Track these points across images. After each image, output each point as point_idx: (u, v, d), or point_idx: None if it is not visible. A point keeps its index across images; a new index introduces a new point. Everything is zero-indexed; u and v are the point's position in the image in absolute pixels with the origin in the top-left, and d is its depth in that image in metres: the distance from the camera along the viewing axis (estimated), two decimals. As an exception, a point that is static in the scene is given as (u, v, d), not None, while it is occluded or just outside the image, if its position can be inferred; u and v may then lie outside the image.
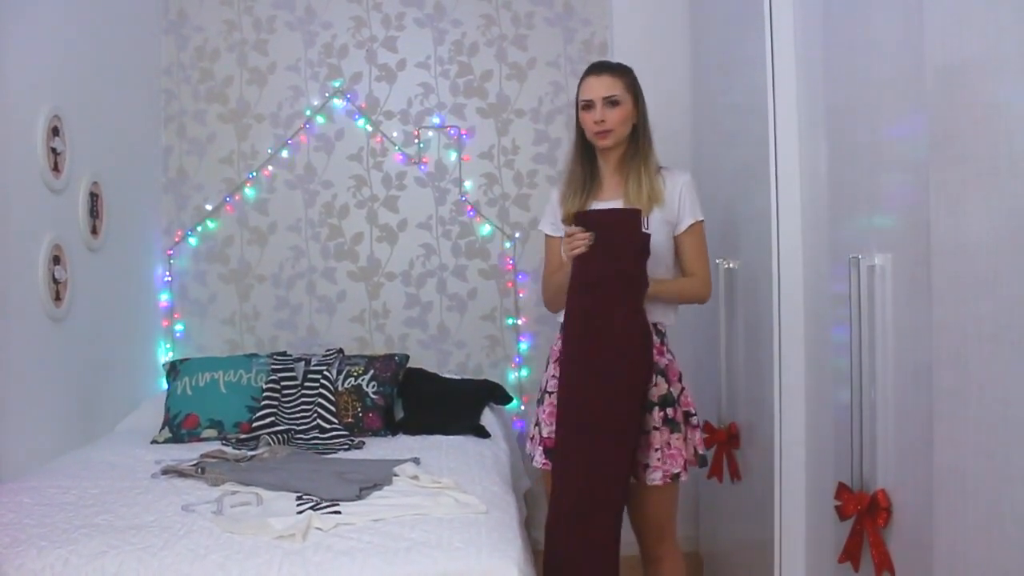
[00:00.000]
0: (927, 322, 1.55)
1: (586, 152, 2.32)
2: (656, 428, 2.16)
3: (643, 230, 2.12)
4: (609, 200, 2.28)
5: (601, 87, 2.23)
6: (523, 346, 3.62)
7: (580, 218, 2.13)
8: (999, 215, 1.33)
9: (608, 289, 2.08)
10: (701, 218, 2.28)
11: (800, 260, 2.27)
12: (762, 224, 2.36)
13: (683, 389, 2.25)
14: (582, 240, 2.07)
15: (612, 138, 2.24)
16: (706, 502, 3.25)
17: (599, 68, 2.28)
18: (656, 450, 2.15)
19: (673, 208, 2.25)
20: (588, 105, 2.24)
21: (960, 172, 1.44)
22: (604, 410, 2.07)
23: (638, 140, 2.27)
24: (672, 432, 2.17)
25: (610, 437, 2.07)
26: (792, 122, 2.27)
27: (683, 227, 2.26)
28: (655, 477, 2.14)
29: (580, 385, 2.10)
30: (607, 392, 2.06)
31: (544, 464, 2.27)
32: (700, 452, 2.25)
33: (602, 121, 2.21)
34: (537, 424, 2.32)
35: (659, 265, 2.23)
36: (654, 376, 2.17)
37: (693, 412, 2.26)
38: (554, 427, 2.18)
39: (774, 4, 2.28)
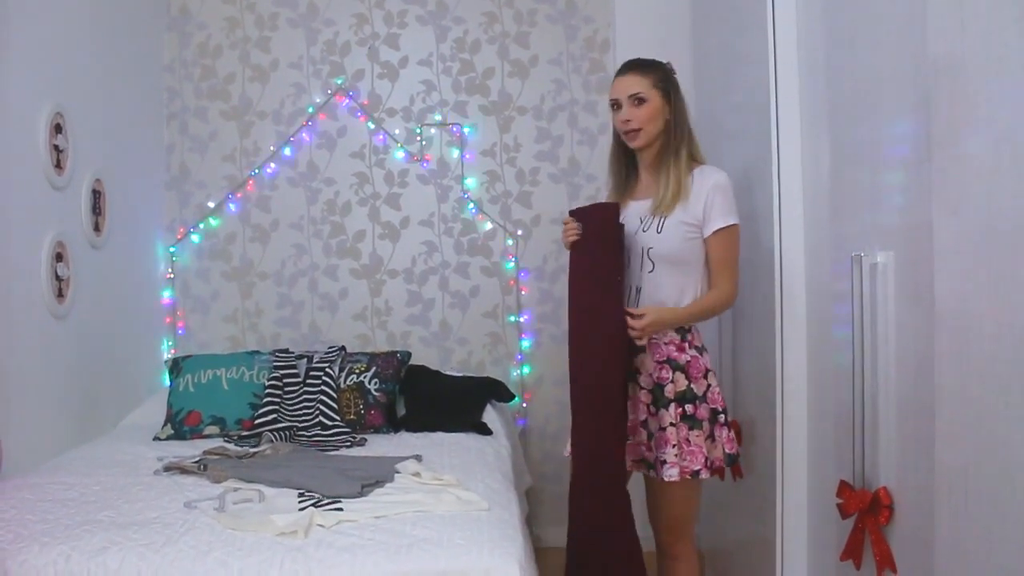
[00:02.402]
0: (929, 320, 1.55)
1: (624, 152, 2.32)
2: (673, 424, 2.14)
3: (619, 222, 2.23)
4: (640, 199, 2.27)
5: (626, 86, 2.22)
6: (525, 343, 3.62)
7: (573, 213, 2.30)
8: (1000, 213, 1.33)
9: (590, 274, 2.23)
10: (733, 222, 2.16)
11: (802, 258, 2.27)
12: (765, 222, 2.36)
13: (710, 386, 2.19)
14: (572, 230, 2.25)
15: (642, 137, 2.22)
16: (708, 500, 3.25)
17: (625, 67, 2.27)
18: (673, 446, 2.13)
19: (697, 210, 2.16)
20: (616, 105, 2.24)
21: (962, 170, 1.44)
22: (591, 380, 2.20)
23: (671, 137, 2.22)
24: (691, 429, 2.14)
25: (598, 405, 2.18)
26: (794, 120, 2.27)
27: (709, 231, 2.16)
28: (672, 473, 2.12)
29: (575, 361, 2.25)
30: (590, 365, 2.20)
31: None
32: (728, 451, 2.19)
33: (628, 120, 2.21)
34: None
35: (673, 267, 2.19)
36: (671, 372, 2.17)
37: (721, 410, 2.19)
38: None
39: (776, 2, 2.28)
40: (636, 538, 2.24)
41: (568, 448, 2.35)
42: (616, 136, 2.31)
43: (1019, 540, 1.30)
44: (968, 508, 1.43)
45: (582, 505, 2.25)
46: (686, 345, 2.20)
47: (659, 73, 2.23)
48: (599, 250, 2.21)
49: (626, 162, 2.34)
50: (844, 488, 1.90)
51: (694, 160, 2.24)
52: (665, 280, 2.19)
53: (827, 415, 2.13)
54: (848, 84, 1.98)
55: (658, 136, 2.23)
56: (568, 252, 2.31)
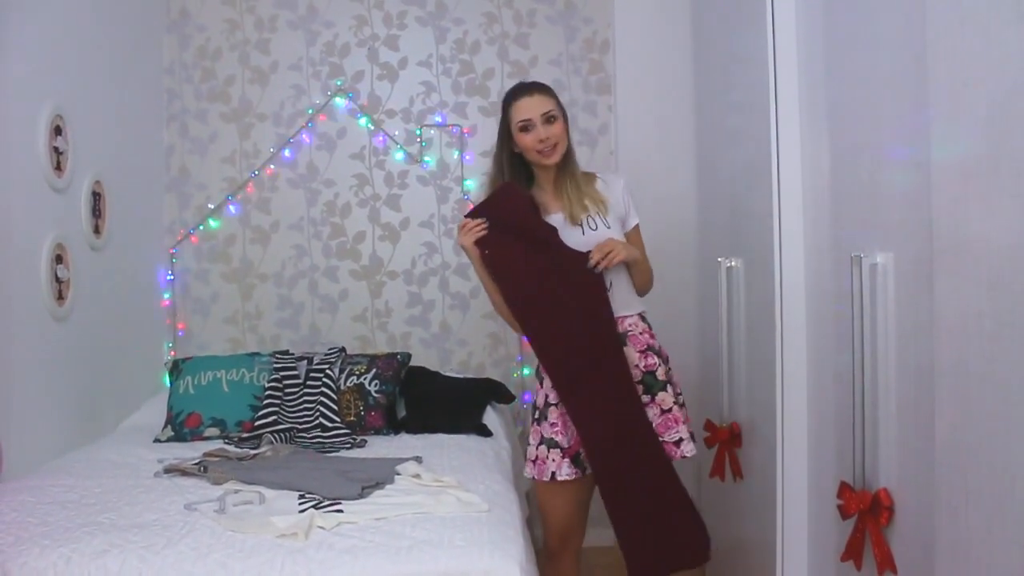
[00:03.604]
0: (929, 321, 1.55)
1: (518, 174, 2.33)
2: (676, 404, 2.30)
3: (524, 193, 2.30)
4: (558, 212, 2.30)
5: (538, 106, 2.26)
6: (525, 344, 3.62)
7: (472, 213, 2.31)
8: (1001, 213, 1.33)
9: (528, 249, 2.25)
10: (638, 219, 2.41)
11: (802, 258, 2.27)
12: (764, 222, 2.36)
13: (670, 369, 2.36)
14: (478, 226, 2.25)
15: (557, 152, 2.28)
16: (708, 501, 3.25)
17: (528, 88, 2.31)
18: (684, 423, 2.30)
19: (620, 209, 2.35)
20: (526, 126, 2.26)
21: (962, 170, 1.43)
22: (590, 345, 2.22)
23: (567, 153, 2.32)
24: (682, 407, 2.34)
25: (605, 365, 2.21)
26: (794, 120, 2.26)
27: (630, 226, 2.37)
28: (691, 448, 2.29)
29: (559, 335, 2.24)
30: (587, 328, 2.22)
31: (575, 473, 2.23)
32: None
33: (547, 137, 2.25)
34: (543, 443, 2.26)
35: (619, 266, 2.28)
36: (656, 357, 2.30)
37: (680, 391, 2.37)
38: (568, 435, 2.25)
39: (776, 2, 2.28)
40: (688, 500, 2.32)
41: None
42: (500, 160, 2.33)
43: (1019, 540, 1.30)
44: (968, 508, 1.43)
45: (626, 491, 2.22)
46: (652, 333, 2.35)
47: (555, 95, 2.33)
48: (523, 220, 2.25)
49: (524, 181, 2.35)
50: (844, 489, 1.90)
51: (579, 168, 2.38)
52: (619, 274, 2.31)
53: (827, 416, 2.13)
54: (848, 84, 1.98)
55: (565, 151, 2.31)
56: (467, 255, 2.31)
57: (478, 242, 2.25)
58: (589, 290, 2.22)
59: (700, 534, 2.31)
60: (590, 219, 2.28)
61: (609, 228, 2.28)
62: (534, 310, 2.27)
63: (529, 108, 2.26)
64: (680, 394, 2.34)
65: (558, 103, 2.31)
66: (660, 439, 2.27)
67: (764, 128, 2.32)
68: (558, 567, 2.37)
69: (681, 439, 2.27)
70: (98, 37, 3.04)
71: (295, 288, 3.64)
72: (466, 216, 2.32)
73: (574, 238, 2.27)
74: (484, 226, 2.25)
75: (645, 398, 2.26)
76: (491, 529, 1.92)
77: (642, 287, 2.37)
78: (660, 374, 2.28)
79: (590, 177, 2.38)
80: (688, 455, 2.28)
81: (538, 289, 2.25)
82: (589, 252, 2.21)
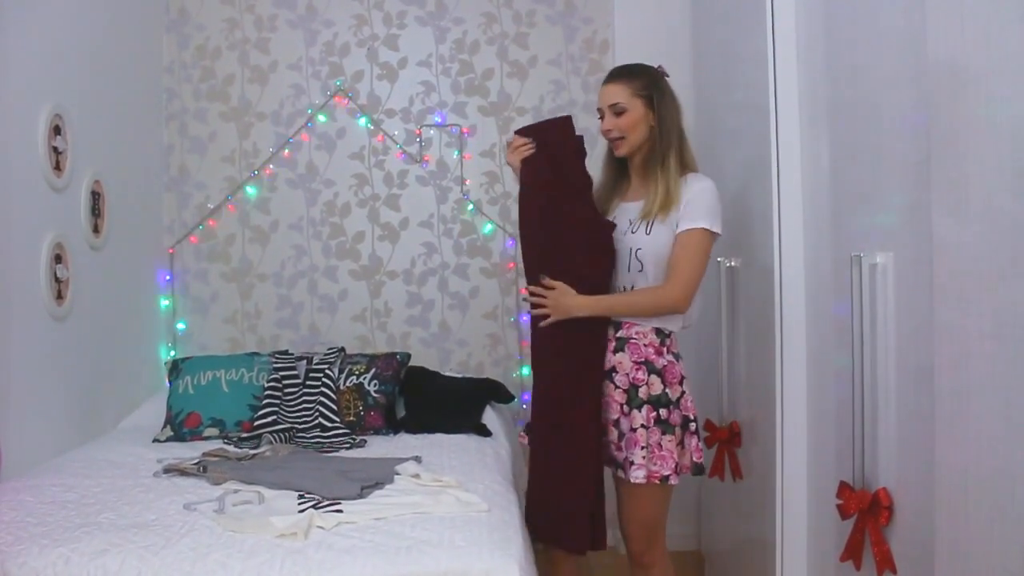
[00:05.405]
0: (929, 320, 1.55)
1: (615, 156, 2.32)
2: (644, 426, 2.15)
3: (576, 134, 2.29)
4: (630, 201, 2.28)
5: (607, 96, 2.25)
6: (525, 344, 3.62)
7: (521, 131, 2.31)
8: (1001, 213, 1.33)
9: (553, 184, 2.24)
10: (704, 226, 2.13)
11: (801, 258, 2.27)
12: (764, 222, 2.36)
13: (684, 393, 2.20)
14: (525, 145, 2.27)
15: (625, 146, 2.24)
16: (707, 501, 3.25)
17: (610, 75, 2.29)
18: (642, 448, 2.14)
19: (680, 212, 2.17)
20: (599, 114, 2.29)
21: (962, 170, 1.44)
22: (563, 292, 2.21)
23: (657, 143, 2.21)
24: (664, 433, 2.15)
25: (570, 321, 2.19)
26: (794, 120, 2.27)
27: (679, 229, 2.15)
28: (639, 475, 2.13)
29: (539, 272, 2.25)
30: (565, 277, 2.21)
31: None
32: (696, 461, 2.21)
33: (609, 130, 2.25)
34: None
35: (661, 268, 2.18)
36: (647, 374, 2.18)
37: (693, 419, 2.21)
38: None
39: (776, 2, 2.28)
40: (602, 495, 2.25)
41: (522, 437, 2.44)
42: None
43: (1019, 540, 1.30)
44: (968, 508, 1.43)
45: (546, 451, 2.26)
46: (664, 349, 2.21)
47: (643, 80, 2.24)
48: (564, 158, 2.25)
49: (617, 165, 2.35)
50: (844, 489, 1.90)
51: (685, 167, 2.23)
52: (653, 281, 2.20)
53: (827, 416, 2.13)
54: (848, 84, 1.98)
55: (643, 143, 2.24)
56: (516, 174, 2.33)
57: (524, 160, 2.27)
58: (589, 259, 2.21)
59: (582, 530, 2.22)
60: (639, 221, 2.20)
61: (648, 234, 2.17)
62: (532, 255, 2.29)
63: (601, 97, 2.27)
64: (669, 423, 2.15)
65: (640, 92, 2.21)
66: (613, 450, 2.23)
67: (764, 128, 2.32)
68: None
69: (632, 462, 2.14)
70: (97, 36, 3.04)
71: (294, 288, 3.64)
72: (516, 132, 2.32)
73: (619, 229, 2.24)
74: (532, 146, 2.27)
75: (624, 408, 2.19)
76: (491, 529, 1.92)
77: (642, 316, 2.21)
78: (643, 392, 2.16)
79: (678, 174, 2.20)
80: (633, 480, 2.12)
81: (542, 233, 2.26)
82: (608, 222, 2.24)
